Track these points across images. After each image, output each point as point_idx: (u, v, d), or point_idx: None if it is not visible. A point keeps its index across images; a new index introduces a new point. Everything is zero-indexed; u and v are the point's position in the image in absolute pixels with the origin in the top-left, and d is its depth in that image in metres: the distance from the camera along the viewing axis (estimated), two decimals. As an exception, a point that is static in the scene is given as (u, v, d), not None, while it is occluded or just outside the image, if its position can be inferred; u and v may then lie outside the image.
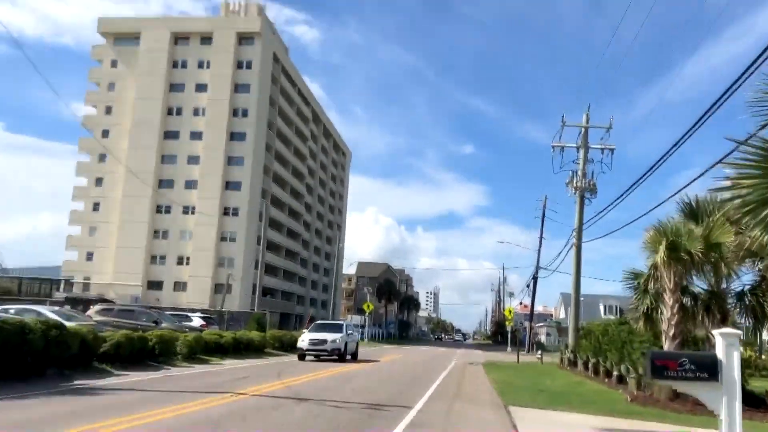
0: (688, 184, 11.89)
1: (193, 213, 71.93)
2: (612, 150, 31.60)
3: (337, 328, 29.70)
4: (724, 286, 14.93)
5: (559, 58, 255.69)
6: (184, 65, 76.10)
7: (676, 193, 14.82)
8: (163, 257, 73.29)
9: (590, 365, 24.36)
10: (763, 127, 7.20)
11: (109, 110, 75.95)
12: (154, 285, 72.41)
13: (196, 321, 35.92)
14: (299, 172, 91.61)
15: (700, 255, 13.65)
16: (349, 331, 30.33)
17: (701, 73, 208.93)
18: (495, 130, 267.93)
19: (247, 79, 75.01)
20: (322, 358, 27.68)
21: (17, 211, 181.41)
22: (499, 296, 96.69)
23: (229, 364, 23.37)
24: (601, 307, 72.96)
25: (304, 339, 28.10)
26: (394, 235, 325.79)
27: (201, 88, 75.10)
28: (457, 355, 44.85)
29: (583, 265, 31.99)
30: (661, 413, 12.91)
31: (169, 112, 75.30)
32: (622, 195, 19.09)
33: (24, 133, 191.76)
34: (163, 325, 27.45)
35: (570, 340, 31.99)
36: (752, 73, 9.90)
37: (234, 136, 73.99)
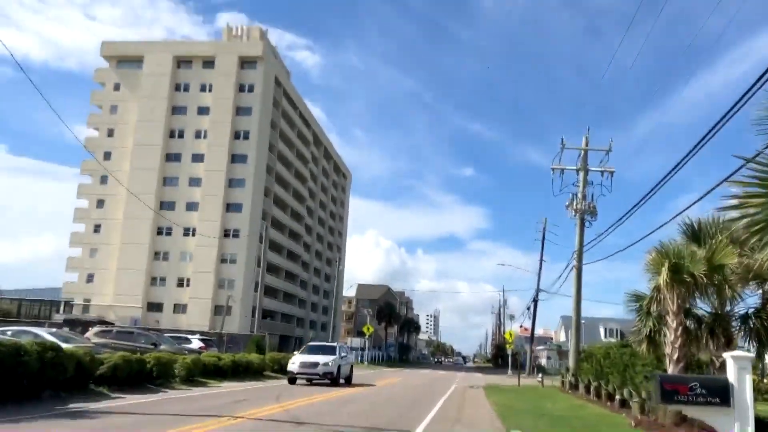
0: (692, 204, 11.85)
1: (193, 235, 71.86)
2: (611, 173, 31.53)
3: (329, 351, 28.06)
4: (728, 308, 14.79)
5: (558, 83, 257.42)
6: (186, 88, 76.52)
7: (678, 215, 14.75)
8: (163, 279, 73.07)
9: (592, 389, 24.07)
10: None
11: (111, 132, 76.24)
12: (154, 307, 72.09)
13: (195, 343, 35.70)
14: (300, 194, 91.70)
15: (704, 277, 13.53)
16: (343, 354, 28.79)
17: (698, 98, 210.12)
18: (495, 153, 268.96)
19: (249, 102, 75.40)
20: (314, 382, 26.10)
21: (19, 233, 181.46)
22: (500, 319, 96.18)
23: (228, 386, 23.13)
24: (602, 330, 72.55)
25: (295, 362, 26.62)
26: (394, 257, 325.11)
27: (203, 110, 75.46)
28: (457, 379, 44.45)
29: (583, 288, 31.78)
30: (666, 438, 12.68)
31: (171, 134, 75.57)
32: (623, 217, 19.01)
33: (27, 155, 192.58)
34: (162, 347, 27.25)
35: (571, 363, 31.66)
36: (752, 95, 9.86)
37: (235, 159, 74.18)
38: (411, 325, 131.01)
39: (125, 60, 77.75)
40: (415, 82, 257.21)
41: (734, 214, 7.91)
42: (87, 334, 28.14)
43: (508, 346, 56.42)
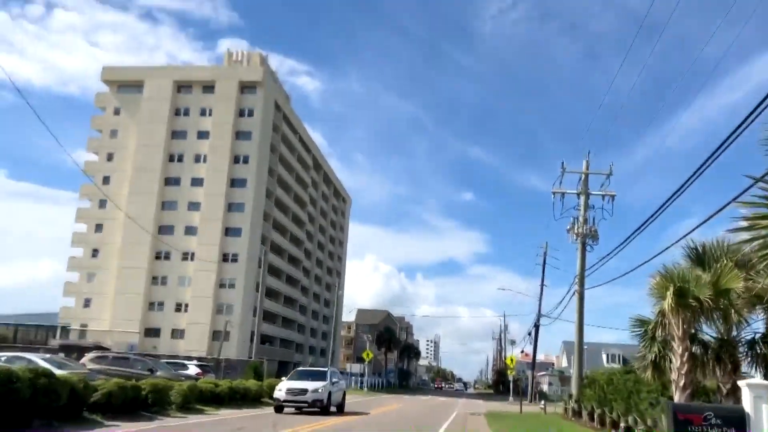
0: (700, 225, 11.65)
1: (192, 259, 71.53)
2: (612, 196, 31.36)
3: (319, 376, 26.33)
4: (734, 334, 14.50)
5: (557, 108, 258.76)
6: (186, 113, 76.76)
7: (683, 238, 14.54)
8: (161, 304, 72.58)
9: (596, 416, 23.65)
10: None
11: (110, 157, 76.29)
12: (152, 332, 71.51)
13: (192, 369, 35.21)
14: (299, 218, 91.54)
15: (709, 301, 13.27)
16: (334, 379, 27.06)
17: (696, 123, 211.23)
18: (494, 177, 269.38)
19: (249, 126, 75.57)
20: (303, 410, 24.40)
21: (17, 258, 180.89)
22: (501, 344, 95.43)
23: (225, 414, 22.72)
24: (604, 356, 71.89)
25: (281, 388, 24.60)
26: (393, 282, 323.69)
27: (202, 135, 75.61)
28: (458, 405, 43.88)
29: (585, 313, 31.42)
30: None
31: (171, 158, 75.62)
32: (626, 240, 18.80)
33: (26, 180, 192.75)
34: (159, 373, 26.88)
35: (574, 389, 31.21)
36: (755, 119, 9.72)
37: (235, 183, 74.15)
38: (411, 351, 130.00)
39: (126, 85, 78.12)
40: (415, 107, 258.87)
41: (745, 235, 7.71)
42: (82, 360, 27.79)
43: (509, 371, 55.82)
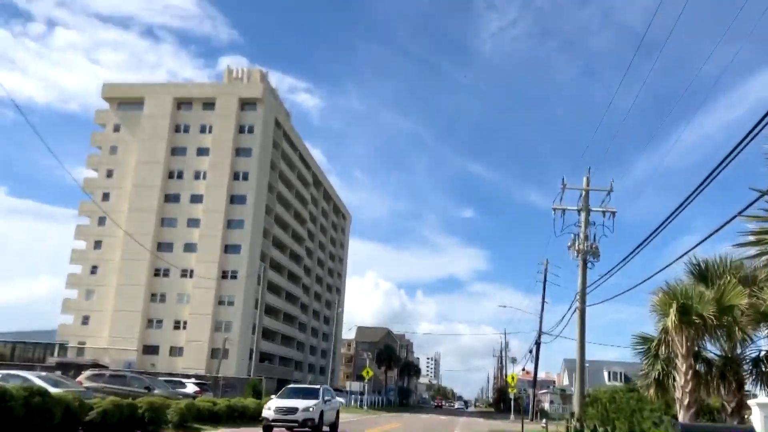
0: (704, 240, 11.49)
1: (191, 276, 71.26)
2: (613, 213, 31.19)
3: (311, 394, 25.01)
4: (738, 351, 14.32)
5: (557, 125, 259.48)
6: (186, 129, 76.84)
7: (685, 254, 14.38)
8: (159, 321, 72.19)
9: (598, 435, 23.32)
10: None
11: (110, 173, 76.28)
12: (150, 349, 71.06)
13: (190, 387, 34.91)
14: (299, 235, 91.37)
15: (713, 318, 13.11)
16: (327, 397, 25.61)
17: (696, 141, 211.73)
18: (495, 194, 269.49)
19: (249, 143, 75.63)
20: (294, 430, 23.07)
21: (17, 275, 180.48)
22: (501, 362, 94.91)
23: (222, 433, 22.40)
24: (605, 374, 71.39)
25: (270, 407, 23.27)
26: (394, 299, 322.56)
27: (202, 151, 75.64)
28: (459, 424, 43.45)
29: (586, 331, 31.15)
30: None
31: (170, 175, 75.60)
32: (628, 256, 18.64)
33: (27, 197, 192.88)
34: (156, 391, 26.62)
35: (576, 407, 30.86)
36: (759, 132, 9.62)
37: (234, 199, 74.06)
38: (411, 369, 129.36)
39: (126, 102, 78.27)
40: (415, 124, 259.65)
41: (751, 251, 7.57)
42: (79, 378, 27.53)
43: (510, 390, 55.40)
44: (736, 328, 13.68)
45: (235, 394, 40.89)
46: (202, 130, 76.39)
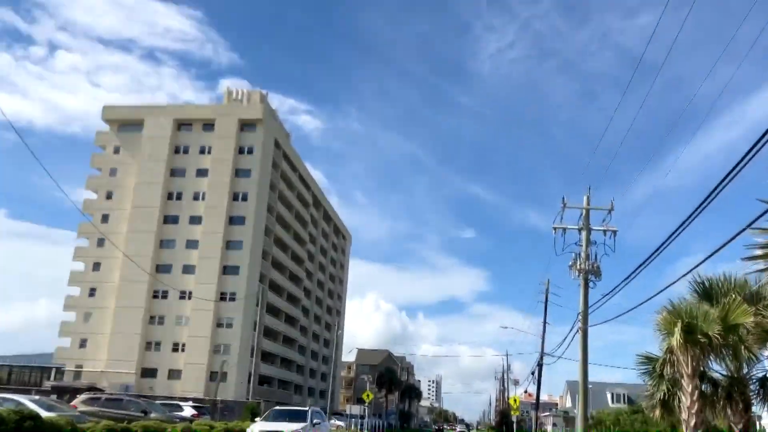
0: (709, 257, 11.22)
1: (190, 298, 70.75)
2: (614, 232, 30.87)
3: (298, 416, 23.68)
4: (745, 371, 14.05)
5: (556, 146, 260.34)
6: (185, 151, 76.79)
7: (689, 272, 14.14)
8: (158, 344, 71.51)
9: (603, 458, 22.92)
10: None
11: (109, 195, 76.11)
12: (149, 373, 70.31)
13: (188, 411, 34.45)
14: (298, 256, 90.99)
15: (719, 337, 12.85)
16: (316, 420, 24.22)
17: (695, 161, 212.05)
18: (494, 215, 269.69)
19: (248, 164, 75.56)
20: None
21: (17, 299, 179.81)
22: (503, 384, 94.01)
23: (219, 457, 21.96)
24: (609, 396, 70.69)
25: (254, 430, 22.22)
26: (394, 321, 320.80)
27: (202, 173, 75.53)
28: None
29: (589, 352, 30.75)
30: None
31: (170, 196, 75.41)
32: (631, 274, 18.39)
33: (27, 219, 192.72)
34: (153, 415, 26.21)
35: (579, 430, 30.39)
36: (758, 150, 9.44)
37: (233, 220, 73.81)
38: (412, 392, 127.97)
39: (126, 123, 78.31)
40: (415, 145, 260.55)
41: (760, 265, 7.35)
42: (74, 402, 27.15)
43: (513, 412, 54.68)
44: (742, 347, 13.45)
45: (234, 417, 40.43)
46: (202, 151, 76.36)
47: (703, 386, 14.04)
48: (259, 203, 74.86)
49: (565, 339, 32.40)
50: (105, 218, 73.89)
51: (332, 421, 50.90)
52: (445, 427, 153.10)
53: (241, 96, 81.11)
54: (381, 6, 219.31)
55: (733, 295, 13.46)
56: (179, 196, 75.21)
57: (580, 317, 30.92)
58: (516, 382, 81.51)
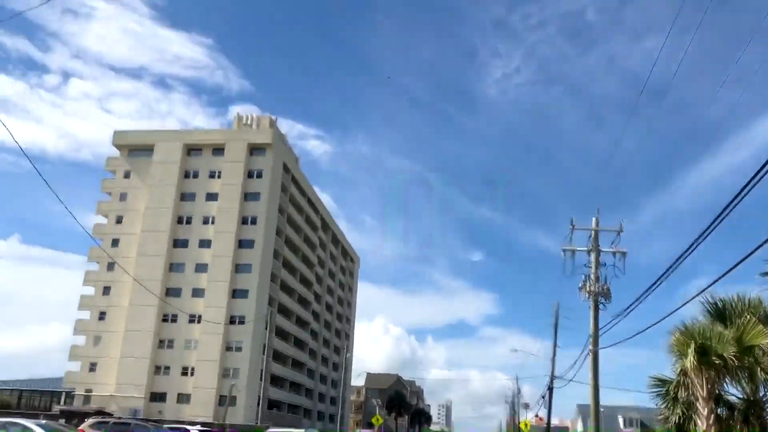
0: (724, 275, 11.06)
1: (199, 322, 70.62)
2: (624, 254, 30.66)
3: None
4: (761, 393, 13.80)
5: (563, 169, 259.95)
6: (195, 175, 77.18)
7: (702, 292, 13.97)
8: (167, 368, 71.25)
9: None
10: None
11: (119, 219, 76.44)
12: (158, 397, 69.99)
13: (195, 435, 34.21)
14: (307, 279, 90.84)
15: (734, 359, 12.65)
16: None
17: (703, 183, 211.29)
18: (503, 237, 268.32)
19: (257, 187, 75.83)
20: None
21: (27, 323, 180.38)
22: (514, 408, 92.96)
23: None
24: (621, 420, 69.87)
25: None
26: (404, 345, 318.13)
27: (211, 197, 75.79)
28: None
29: (599, 375, 30.36)
30: None
31: (179, 220, 75.68)
32: (643, 294, 18.19)
33: (38, 244, 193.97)
34: (160, 439, 26.03)
35: (592, 455, 29.91)
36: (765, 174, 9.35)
37: (242, 244, 73.89)
38: (422, 416, 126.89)
39: (136, 149, 78.84)
40: (423, 169, 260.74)
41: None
42: (82, 426, 27.02)
43: (523, 436, 54.02)
44: (758, 369, 13.22)
45: (242, 442, 40.07)
46: (212, 175, 76.73)
47: (718, 409, 13.81)
48: (268, 227, 74.99)
49: (575, 362, 32.05)
50: (115, 242, 74.19)
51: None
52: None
53: (251, 121, 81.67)
54: (389, 32, 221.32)
55: (748, 316, 13.29)
56: (189, 220, 75.46)
57: (590, 339, 30.64)
58: (526, 406, 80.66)
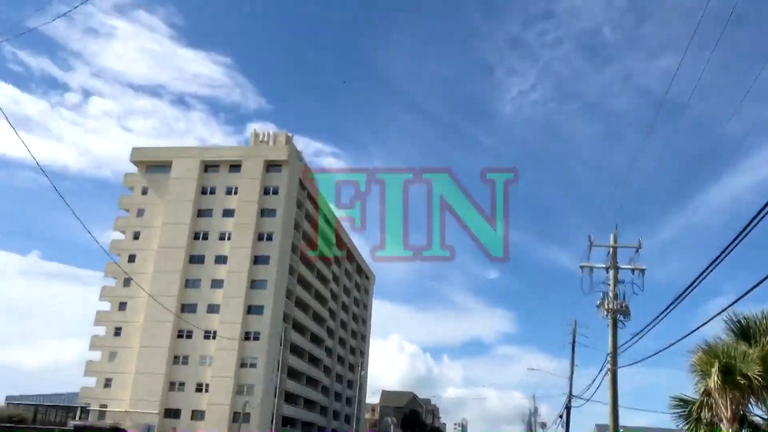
0: (747, 293, 10.83)
1: (214, 338, 70.61)
2: (643, 271, 30.26)
3: None
4: (788, 415, 13.45)
5: (579, 186, 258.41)
6: (212, 191, 77.62)
7: (724, 310, 13.68)
8: (182, 384, 71.24)
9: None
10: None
11: (137, 235, 76.89)
12: (172, 413, 69.88)
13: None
14: (322, 295, 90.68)
15: (759, 379, 12.34)
16: None
17: (723, 201, 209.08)
18: (519, 255, 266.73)
19: (273, 204, 76.09)
20: None
21: (47, 338, 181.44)
22: (531, 427, 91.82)
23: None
24: (640, 441, 68.50)
25: None
26: (419, 363, 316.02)
27: (228, 213, 76.14)
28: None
29: (618, 394, 29.85)
30: None
31: (196, 236, 75.99)
32: (662, 312, 17.89)
33: (57, 260, 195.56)
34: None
35: (611, 476, 29.32)
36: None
37: (258, 260, 74.00)
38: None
39: (154, 165, 79.47)
40: (438, 185, 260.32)
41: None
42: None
43: (540, 457, 53.24)
44: (785, 390, 12.87)
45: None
46: (228, 191, 77.13)
47: (743, 431, 13.47)
48: (283, 242, 75.08)
49: (594, 380, 31.57)
50: (132, 258, 74.59)
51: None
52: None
53: (268, 138, 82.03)
54: (405, 50, 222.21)
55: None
56: (205, 236, 75.77)
57: (609, 358, 30.16)
58: (543, 425, 79.72)
